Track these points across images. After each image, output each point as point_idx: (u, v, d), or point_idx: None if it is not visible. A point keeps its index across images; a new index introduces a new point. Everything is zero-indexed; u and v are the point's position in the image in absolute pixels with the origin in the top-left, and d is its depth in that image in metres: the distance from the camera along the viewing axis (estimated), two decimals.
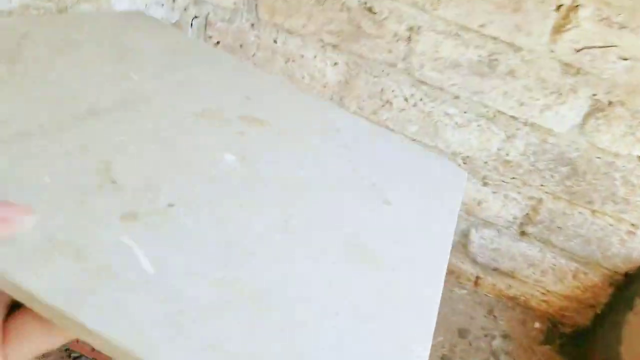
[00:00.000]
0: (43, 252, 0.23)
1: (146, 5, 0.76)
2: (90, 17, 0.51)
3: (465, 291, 0.93)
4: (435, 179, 0.48)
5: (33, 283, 0.21)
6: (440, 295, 0.32)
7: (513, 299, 0.91)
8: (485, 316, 0.90)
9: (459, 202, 0.48)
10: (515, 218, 0.82)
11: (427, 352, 0.27)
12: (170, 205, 0.28)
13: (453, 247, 0.90)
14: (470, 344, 0.85)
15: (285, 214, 0.32)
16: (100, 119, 0.34)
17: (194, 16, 0.84)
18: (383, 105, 0.80)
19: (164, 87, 0.42)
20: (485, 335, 0.86)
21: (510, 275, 0.88)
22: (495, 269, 0.89)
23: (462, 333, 0.86)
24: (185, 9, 0.83)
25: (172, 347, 0.21)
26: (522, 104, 0.72)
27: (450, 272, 0.93)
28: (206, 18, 0.83)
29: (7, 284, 0.21)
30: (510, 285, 0.89)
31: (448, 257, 0.36)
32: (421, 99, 0.77)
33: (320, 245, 0.31)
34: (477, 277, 0.92)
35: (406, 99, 0.78)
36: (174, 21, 0.84)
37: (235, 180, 0.33)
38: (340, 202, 0.36)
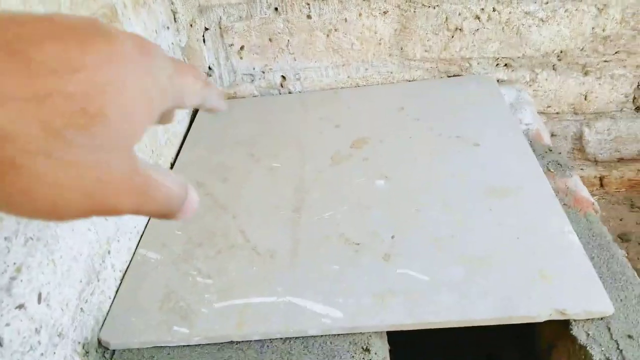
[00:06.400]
0: None
1: (156, 31, 0.63)
2: None
3: (595, 197, 0.85)
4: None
5: None
6: None
7: None
8: (631, 211, 0.82)
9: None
10: (627, 95, 0.74)
11: None
12: None
13: (569, 154, 0.82)
14: (639, 243, 0.77)
15: None
16: None
17: (203, 29, 0.71)
18: (453, 36, 0.70)
19: None
20: None
21: (637, 158, 0.81)
22: (619, 160, 0.81)
23: (623, 237, 0.78)
24: (191, 25, 0.70)
25: None
26: None
27: None
28: (219, 25, 0.71)
29: None
30: (639, 170, 0.82)
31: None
32: (494, 9, 0.68)
33: None
34: (602, 177, 0.84)
35: (477, 17, 0.68)
36: (183, 44, 0.71)
37: None
38: None
